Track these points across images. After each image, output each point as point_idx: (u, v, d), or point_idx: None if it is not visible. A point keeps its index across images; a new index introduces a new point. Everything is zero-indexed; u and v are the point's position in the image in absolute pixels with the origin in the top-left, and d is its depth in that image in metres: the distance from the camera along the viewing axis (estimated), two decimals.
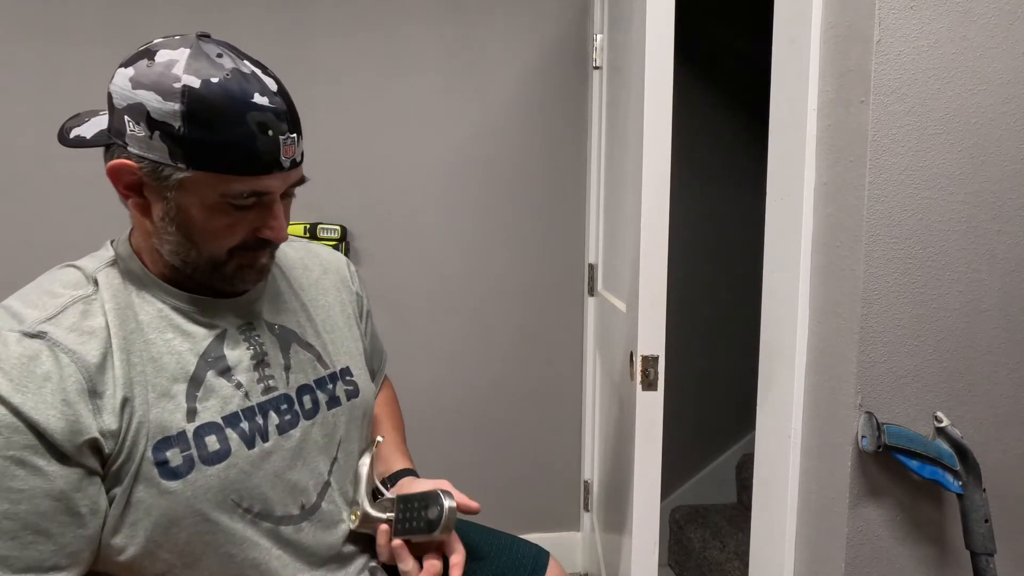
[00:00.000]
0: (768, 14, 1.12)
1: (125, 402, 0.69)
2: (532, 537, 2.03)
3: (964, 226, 0.95)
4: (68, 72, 1.78)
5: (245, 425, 0.76)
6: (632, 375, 1.17)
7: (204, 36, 0.70)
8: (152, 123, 0.66)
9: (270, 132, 0.68)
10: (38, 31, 1.76)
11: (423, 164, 1.97)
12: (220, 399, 0.75)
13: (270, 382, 0.80)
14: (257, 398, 0.78)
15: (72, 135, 0.73)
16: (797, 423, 1.07)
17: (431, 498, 0.85)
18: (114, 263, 0.76)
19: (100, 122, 0.73)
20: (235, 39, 1.92)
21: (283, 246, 0.93)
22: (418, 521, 0.84)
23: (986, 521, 0.91)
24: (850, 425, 0.95)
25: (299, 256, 0.96)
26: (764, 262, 1.14)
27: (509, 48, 1.96)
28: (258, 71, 0.70)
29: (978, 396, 0.98)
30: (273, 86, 0.70)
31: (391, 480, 0.96)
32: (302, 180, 0.77)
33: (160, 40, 0.69)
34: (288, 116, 0.71)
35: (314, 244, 1.02)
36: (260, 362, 0.80)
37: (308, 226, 1.93)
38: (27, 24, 1.76)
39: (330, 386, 0.88)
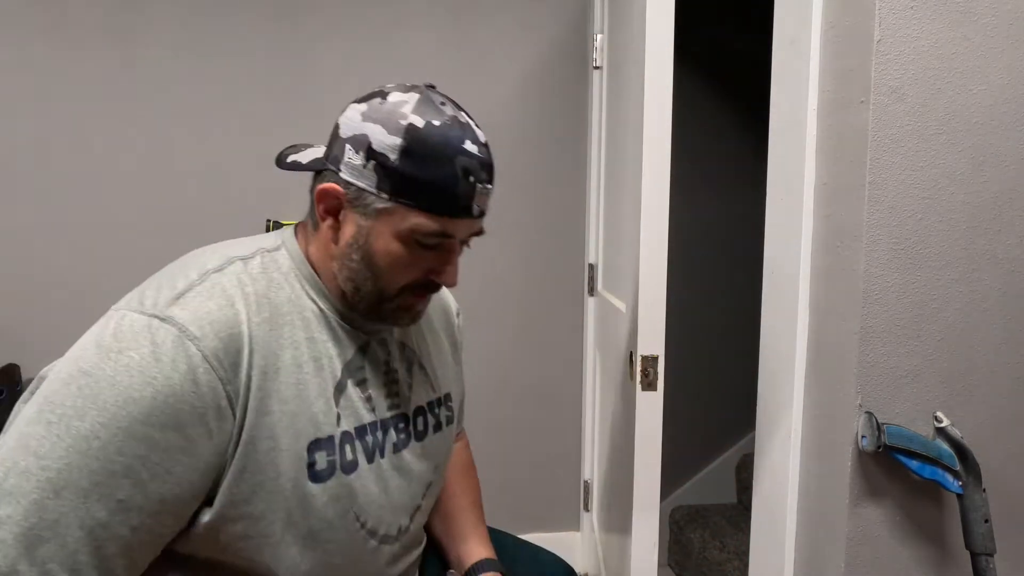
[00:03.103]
0: (768, 14, 1.12)
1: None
2: (532, 537, 2.04)
3: (964, 226, 0.95)
4: (69, 73, 1.78)
5: (369, 439, 0.77)
6: (632, 375, 1.17)
7: (431, 87, 0.76)
8: (371, 153, 0.70)
9: (471, 179, 0.71)
10: (38, 32, 1.76)
11: None
12: (353, 410, 0.76)
13: (394, 399, 0.82)
14: (382, 413, 0.80)
15: (288, 160, 0.80)
16: (797, 423, 1.07)
17: None
18: (279, 248, 0.78)
19: (315, 152, 0.79)
20: (236, 41, 1.94)
21: None
22: None
23: (986, 521, 0.91)
24: (850, 425, 0.95)
25: None
26: (764, 262, 1.14)
27: (509, 48, 1.96)
28: (472, 123, 0.74)
29: (978, 396, 0.98)
30: (482, 138, 0.74)
31: (473, 572, 0.92)
32: (480, 232, 0.78)
33: (392, 86, 0.75)
34: (488, 168, 0.74)
35: None
36: (390, 378, 0.82)
37: None
38: (27, 25, 1.76)
39: (437, 410, 0.89)
